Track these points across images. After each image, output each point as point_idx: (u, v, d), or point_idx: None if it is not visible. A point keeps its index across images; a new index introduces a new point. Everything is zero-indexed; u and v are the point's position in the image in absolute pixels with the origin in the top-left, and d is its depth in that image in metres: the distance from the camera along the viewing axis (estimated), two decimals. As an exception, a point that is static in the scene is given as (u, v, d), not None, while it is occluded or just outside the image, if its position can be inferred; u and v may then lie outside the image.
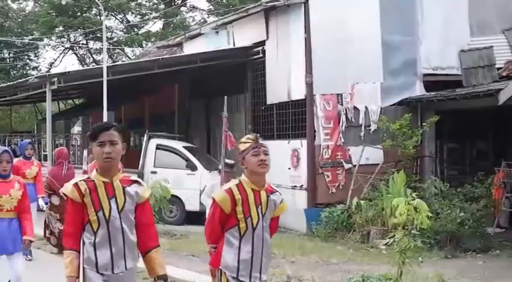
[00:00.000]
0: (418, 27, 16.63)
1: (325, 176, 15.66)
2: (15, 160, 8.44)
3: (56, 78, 18.65)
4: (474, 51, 16.83)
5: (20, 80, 23.87)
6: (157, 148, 18.11)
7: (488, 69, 16.65)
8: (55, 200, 11.29)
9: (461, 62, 16.81)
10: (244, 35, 18.87)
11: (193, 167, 17.59)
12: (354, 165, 15.60)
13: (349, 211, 14.32)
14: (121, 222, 4.50)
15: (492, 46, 16.90)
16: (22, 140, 30.29)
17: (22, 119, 44.29)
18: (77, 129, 33.09)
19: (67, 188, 4.51)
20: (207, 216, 5.42)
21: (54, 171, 11.76)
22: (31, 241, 7.04)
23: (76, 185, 4.49)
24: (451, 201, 13.67)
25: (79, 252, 4.48)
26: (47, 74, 22.32)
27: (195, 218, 17.43)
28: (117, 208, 4.49)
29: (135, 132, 26.36)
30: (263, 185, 5.00)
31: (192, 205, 17.22)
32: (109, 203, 4.48)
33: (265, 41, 17.63)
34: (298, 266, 10.49)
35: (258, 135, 5.06)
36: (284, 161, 16.25)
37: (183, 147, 18.46)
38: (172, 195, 15.72)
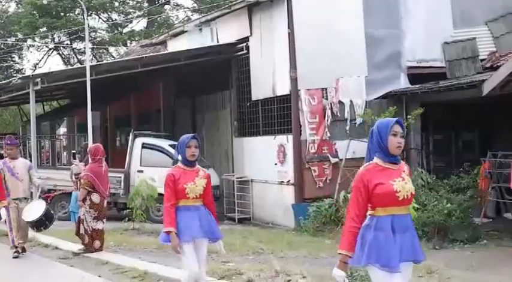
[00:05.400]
0: (402, 20, 16.68)
1: (312, 171, 15.67)
2: (170, 168, 7.08)
3: (39, 79, 18.46)
4: (457, 43, 16.89)
5: (2, 82, 23.67)
6: (143, 147, 18.05)
7: (472, 61, 16.73)
8: (96, 198, 10.72)
9: (445, 54, 16.87)
10: (227, 31, 18.83)
11: (179, 165, 17.49)
12: (341, 159, 15.62)
13: (337, 205, 14.32)
14: None
15: (475, 38, 16.97)
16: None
17: (8, 122, 43.87)
18: (62, 130, 32.93)
19: None
20: None
21: (94, 168, 10.81)
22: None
23: None
24: (437, 192, 13.72)
25: None
26: (31, 74, 22.06)
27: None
28: None
29: (121, 131, 26.26)
30: None
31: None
32: None
33: (249, 37, 17.59)
34: (287, 261, 10.44)
35: None
36: (271, 157, 16.28)
37: (169, 145, 18.38)
38: (159, 194, 15.65)
